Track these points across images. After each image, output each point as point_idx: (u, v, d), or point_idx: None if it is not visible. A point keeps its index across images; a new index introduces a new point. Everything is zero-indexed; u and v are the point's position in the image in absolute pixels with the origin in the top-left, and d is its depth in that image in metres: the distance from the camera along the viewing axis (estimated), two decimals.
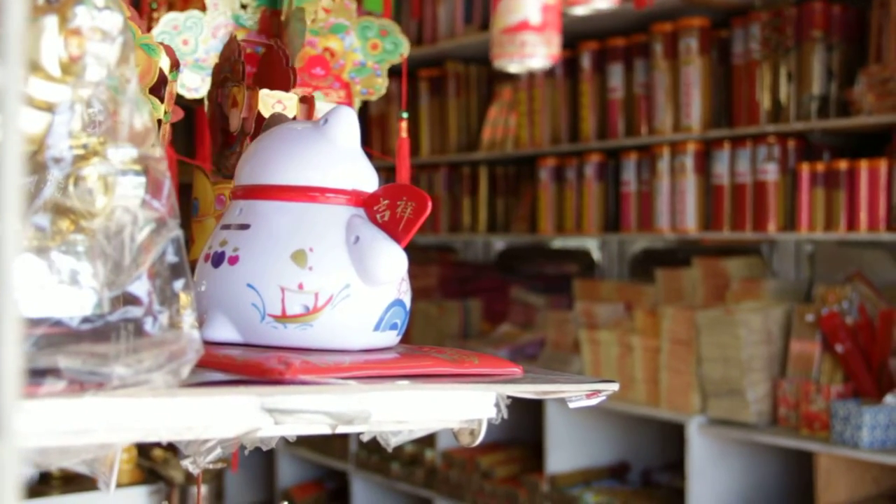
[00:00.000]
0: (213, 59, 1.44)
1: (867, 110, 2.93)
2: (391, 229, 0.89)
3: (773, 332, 3.11)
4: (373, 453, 4.05)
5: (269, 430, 0.76)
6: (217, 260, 0.93)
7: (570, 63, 3.73)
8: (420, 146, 4.20)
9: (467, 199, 4.12)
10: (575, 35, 3.66)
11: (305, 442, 4.30)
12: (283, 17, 1.38)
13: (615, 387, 0.90)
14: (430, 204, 0.88)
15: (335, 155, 0.94)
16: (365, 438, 0.89)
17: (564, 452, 3.53)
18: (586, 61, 3.63)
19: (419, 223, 0.88)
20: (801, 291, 3.30)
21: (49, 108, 0.66)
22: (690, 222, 3.35)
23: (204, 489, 2.15)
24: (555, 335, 3.70)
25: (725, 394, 3.11)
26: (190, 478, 2.08)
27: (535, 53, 2.09)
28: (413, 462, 3.94)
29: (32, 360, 0.62)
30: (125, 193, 0.67)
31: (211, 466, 0.94)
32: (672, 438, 3.60)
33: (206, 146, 1.62)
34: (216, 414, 0.74)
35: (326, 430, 0.78)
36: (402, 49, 1.51)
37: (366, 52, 1.49)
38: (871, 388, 2.90)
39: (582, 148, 3.66)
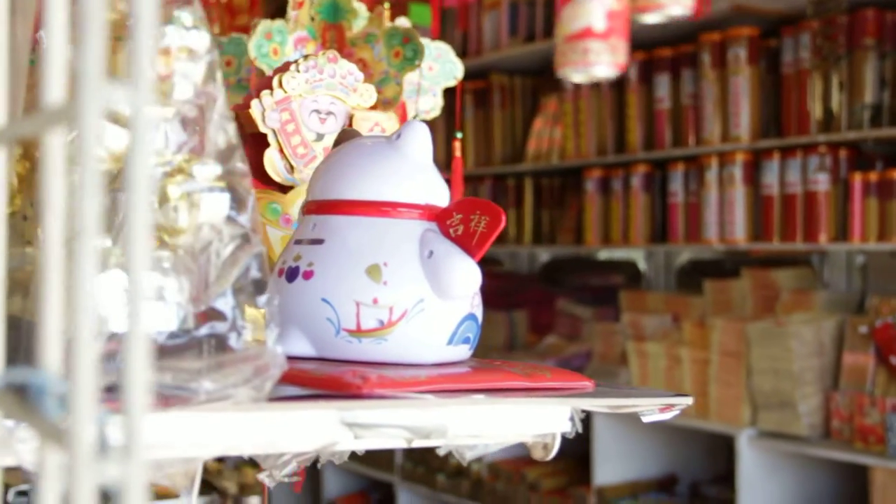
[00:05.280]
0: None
1: None
2: (465, 243, 0.89)
3: (825, 344, 3.07)
4: (418, 465, 4.05)
5: (348, 444, 0.76)
6: (291, 275, 0.94)
7: None
8: (465, 158, 4.21)
9: (512, 211, 4.12)
10: None
11: (351, 453, 4.31)
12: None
13: (689, 401, 0.89)
14: (504, 218, 0.88)
15: (408, 169, 0.94)
16: (442, 452, 0.90)
17: (612, 465, 3.51)
18: (633, 72, 3.62)
19: (493, 237, 0.88)
20: (852, 303, 3.26)
21: None
22: (739, 233, 3.32)
23: (256, 500, 2.17)
24: (601, 347, 3.68)
25: (776, 406, 3.08)
26: (244, 489, 2.09)
27: (598, 61, 2.06)
28: (459, 473, 3.93)
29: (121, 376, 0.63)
30: (210, 211, 0.68)
31: (286, 480, 0.95)
32: (720, 451, 3.57)
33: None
34: (297, 428, 0.74)
35: (402, 445, 0.78)
36: (456, 72, 1.50)
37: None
38: None
39: (628, 159, 3.64)
